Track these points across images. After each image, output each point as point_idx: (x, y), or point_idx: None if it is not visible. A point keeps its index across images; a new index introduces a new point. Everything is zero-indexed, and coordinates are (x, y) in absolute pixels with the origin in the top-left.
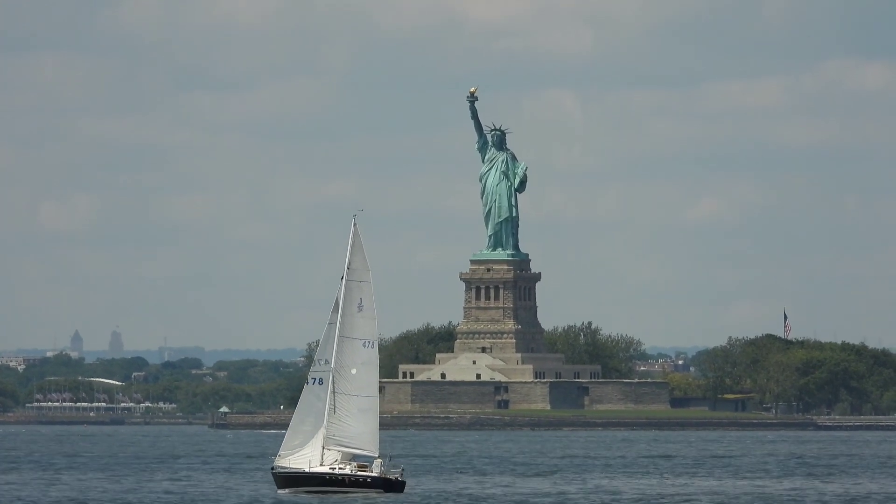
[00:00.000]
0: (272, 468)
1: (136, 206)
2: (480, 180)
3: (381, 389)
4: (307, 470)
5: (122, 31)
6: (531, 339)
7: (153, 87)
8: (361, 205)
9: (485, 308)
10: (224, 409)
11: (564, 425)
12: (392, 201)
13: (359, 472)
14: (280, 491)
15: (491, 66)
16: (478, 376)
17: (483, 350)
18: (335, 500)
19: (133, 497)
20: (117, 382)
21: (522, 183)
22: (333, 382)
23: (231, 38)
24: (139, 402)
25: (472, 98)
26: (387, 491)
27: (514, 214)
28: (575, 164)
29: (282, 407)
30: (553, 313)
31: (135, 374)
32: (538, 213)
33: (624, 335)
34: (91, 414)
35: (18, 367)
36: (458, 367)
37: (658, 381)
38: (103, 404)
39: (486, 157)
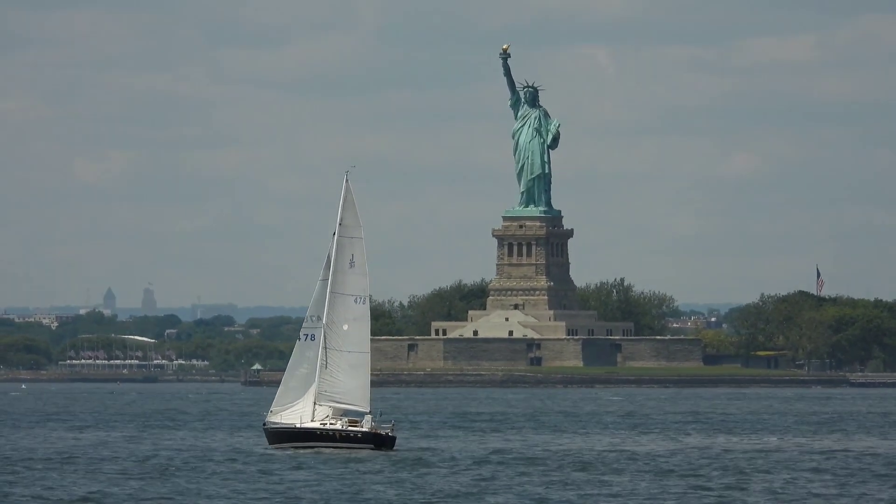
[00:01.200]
0: (264, 424)
1: (170, 161)
2: (513, 137)
3: (413, 347)
4: (298, 425)
5: None
6: (564, 295)
7: (187, 41)
8: (397, 159)
9: (517, 265)
10: (257, 366)
11: (597, 382)
12: (424, 157)
13: (349, 428)
14: (271, 446)
15: (524, 21)
16: (510, 333)
17: (515, 307)
18: (326, 456)
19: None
20: (150, 340)
21: (555, 139)
22: (325, 338)
23: None
24: (172, 360)
25: (505, 55)
26: (377, 446)
27: (546, 171)
28: (607, 119)
29: None
30: (585, 270)
31: (167, 331)
32: (570, 168)
33: (657, 292)
34: (124, 372)
35: (51, 325)
36: (491, 324)
37: (691, 338)
38: (136, 362)
39: (519, 114)
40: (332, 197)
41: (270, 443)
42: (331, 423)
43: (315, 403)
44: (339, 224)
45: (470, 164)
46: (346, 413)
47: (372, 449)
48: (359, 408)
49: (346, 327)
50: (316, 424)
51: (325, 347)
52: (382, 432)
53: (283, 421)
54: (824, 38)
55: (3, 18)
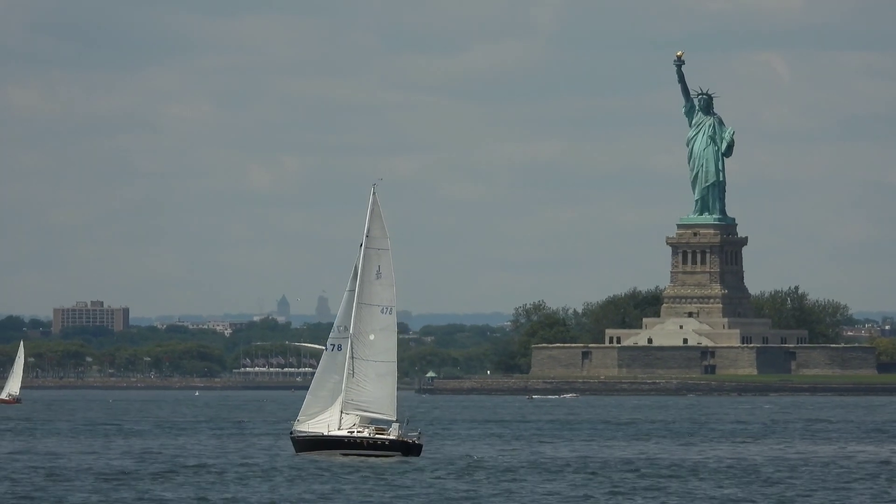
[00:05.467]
0: (291, 433)
1: (343, 167)
2: (687, 145)
3: (587, 354)
4: (326, 434)
5: None
6: (738, 303)
7: (362, 47)
8: (571, 165)
9: (691, 273)
10: (431, 373)
11: (771, 391)
12: (598, 163)
13: (376, 436)
14: (298, 454)
15: (700, 27)
16: (685, 341)
17: (690, 315)
18: (352, 464)
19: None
20: (324, 348)
21: (730, 147)
22: (352, 348)
23: None
24: None
25: (679, 62)
26: (405, 454)
27: (721, 179)
28: (781, 125)
29: (489, 372)
30: (759, 277)
31: None
32: (744, 175)
33: (831, 300)
34: (298, 379)
35: (225, 332)
36: (665, 331)
37: (865, 346)
38: (310, 370)
39: (693, 122)
40: (505, 203)
41: (298, 451)
42: (358, 432)
43: (342, 412)
44: (366, 235)
45: (644, 171)
46: (373, 421)
47: (399, 456)
48: (386, 416)
49: (372, 337)
50: (343, 432)
51: (353, 357)
52: (409, 440)
53: (310, 429)
54: None
55: (177, 25)
